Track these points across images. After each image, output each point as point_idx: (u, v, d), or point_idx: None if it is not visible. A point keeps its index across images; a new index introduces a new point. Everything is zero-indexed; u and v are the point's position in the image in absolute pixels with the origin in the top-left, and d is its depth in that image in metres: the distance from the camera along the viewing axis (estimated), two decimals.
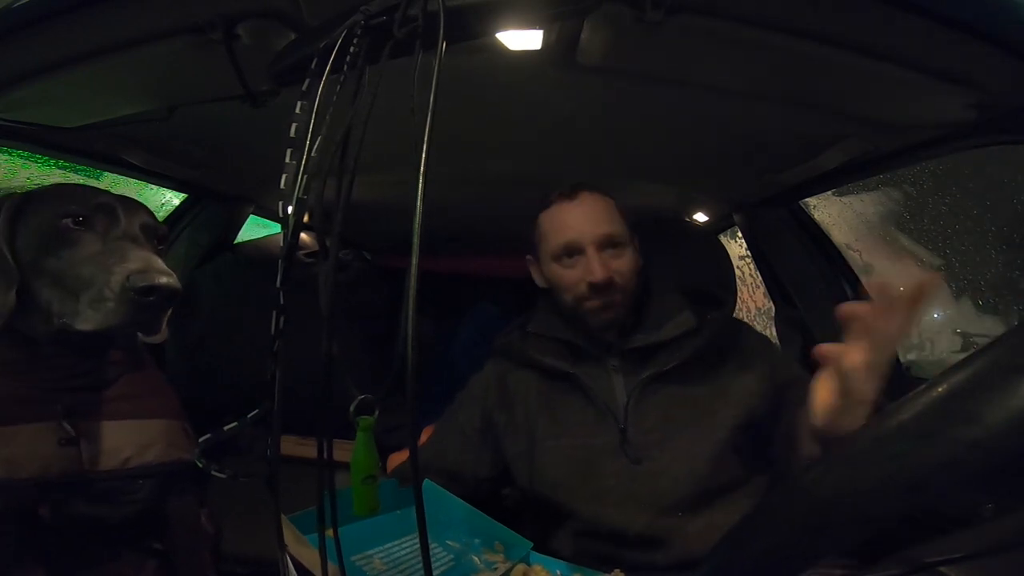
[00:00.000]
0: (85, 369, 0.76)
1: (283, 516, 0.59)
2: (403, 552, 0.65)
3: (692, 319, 0.84)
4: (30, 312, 0.70)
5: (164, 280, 0.67)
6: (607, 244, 0.83)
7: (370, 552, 0.63)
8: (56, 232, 0.69)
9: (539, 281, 0.92)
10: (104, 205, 0.72)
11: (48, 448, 0.71)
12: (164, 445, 0.80)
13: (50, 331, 0.70)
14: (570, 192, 0.86)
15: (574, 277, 0.83)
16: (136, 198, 0.78)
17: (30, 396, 0.72)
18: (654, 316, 0.86)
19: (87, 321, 0.67)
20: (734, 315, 1.22)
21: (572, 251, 0.83)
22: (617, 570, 0.66)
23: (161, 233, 0.79)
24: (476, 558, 0.67)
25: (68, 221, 0.69)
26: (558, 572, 0.66)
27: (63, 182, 0.79)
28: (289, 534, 0.59)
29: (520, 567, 0.63)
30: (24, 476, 0.69)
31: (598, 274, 0.80)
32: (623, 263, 0.84)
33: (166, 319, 0.72)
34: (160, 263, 0.69)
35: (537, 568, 0.65)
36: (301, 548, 0.56)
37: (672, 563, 0.72)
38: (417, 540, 0.67)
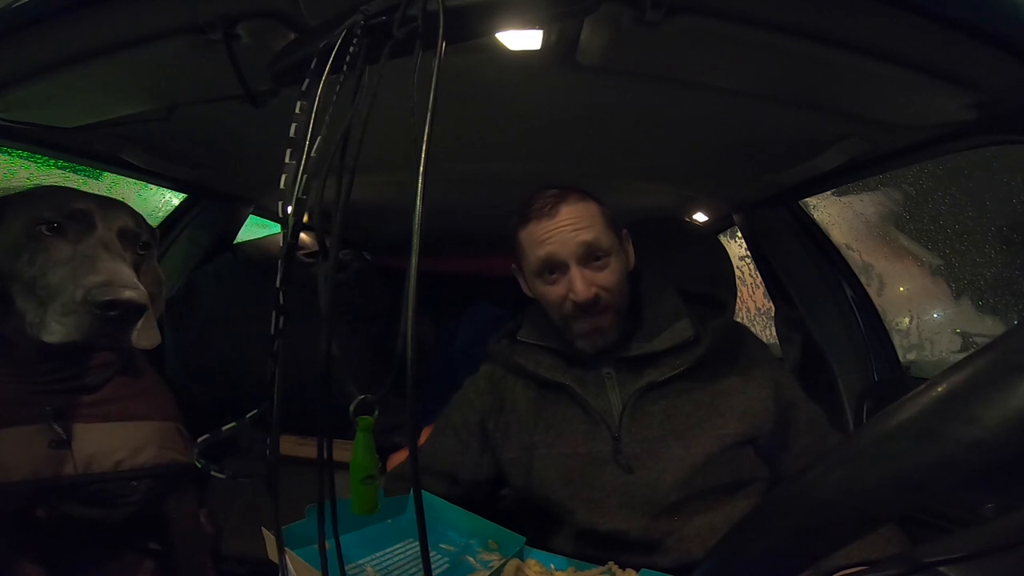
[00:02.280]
0: (73, 372, 0.75)
1: (265, 530, 0.59)
2: (395, 559, 0.65)
3: (690, 328, 0.82)
4: (11, 318, 0.69)
5: (127, 295, 0.65)
6: (590, 257, 0.78)
7: (361, 561, 0.63)
8: (30, 239, 0.68)
9: (526, 290, 0.89)
10: (79, 211, 0.71)
11: (39, 451, 0.70)
12: (157, 447, 0.80)
13: (29, 338, 0.69)
14: (551, 205, 0.80)
15: (558, 294, 0.80)
16: (134, 200, 0.78)
17: (18, 398, 0.71)
18: (651, 323, 0.84)
19: (52, 333, 0.65)
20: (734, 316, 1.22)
21: (554, 267, 0.79)
22: (611, 563, 0.66)
23: (143, 239, 0.77)
24: (472, 559, 0.67)
25: (42, 227, 0.68)
26: (552, 566, 0.66)
27: (46, 184, 0.78)
28: (271, 546, 0.59)
29: (514, 562, 0.63)
30: (17, 479, 0.69)
31: (582, 294, 0.76)
32: (608, 276, 0.79)
33: (135, 331, 0.70)
34: (126, 275, 0.68)
35: (531, 562, 0.65)
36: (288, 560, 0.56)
37: (673, 564, 0.71)
38: (409, 547, 0.68)
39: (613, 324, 0.80)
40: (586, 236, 0.78)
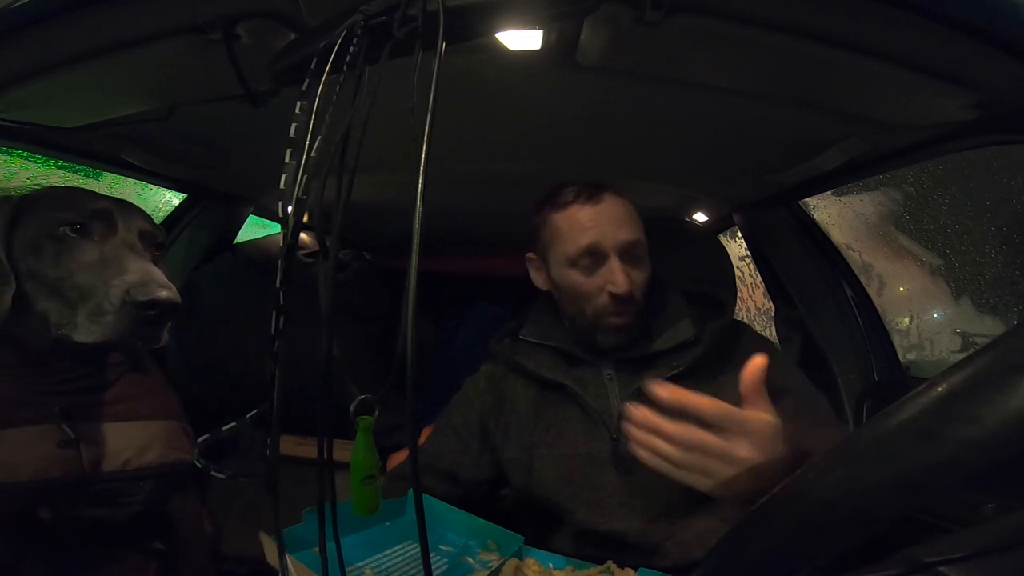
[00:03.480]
0: (83, 372, 0.75)
1: (263, 534, 0.59)
2: (394, 561, 0.65)
3: (691, 328, 0.82)
4: (27, 318, 0.69)
5: (164, 294, 0.66)
6: (630, 253, 0.79)
7: (360, 564, 0.63)
8: (53, 239, 0.68)
9: (539, 282, 0.88)
10: (101, 212, 0.71)
11: (47, 450, 0.70)
12: (163, 446, 0.80)
13: (48, 339, 0.69)
14: (593, 193, 0.80)
15: (593, 286, 0.79)
16: (134, 200, 0.78)
17: (27, 399, 0.71)
18: (653, 323, 0.84)
19: (86, 334, 0.66)
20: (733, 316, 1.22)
21: (593, 257, 0.78)
22: (609, 562, 0.66)
23: (159, 240, 0.78)
24: (471, 559, 0.67)
25: (65, 228, 0.68)
26: (551, 565, 0.66)
27: (60, 185, 0.78)
28: (270, 551, 0.59)
29: (512, 562, 0.63)
30: (23, 479, 0.69)
31: (621, 285, 0.76)
32: (641, 274, 0.80)
33: (167, 329, 0.71)
34: (160, 275, 0.69)
35: (529, 562, 0.65)
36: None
37: (672, 565, 0.71)
38: (408, 549, 0.68)
39: (635, 322, 0.81)
40: (630, 232, 0.79)
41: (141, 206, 0.79)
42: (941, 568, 0.30)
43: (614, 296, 0.77)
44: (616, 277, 0.77)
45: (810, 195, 1.28)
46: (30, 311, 0.69)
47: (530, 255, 0.89)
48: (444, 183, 1.25)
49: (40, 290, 0.68)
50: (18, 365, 0.72)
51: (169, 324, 0.71)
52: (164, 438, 0.81)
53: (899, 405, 0.29)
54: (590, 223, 0.78)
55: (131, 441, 0.77)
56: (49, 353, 0.71)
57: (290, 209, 0.37)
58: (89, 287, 0.66)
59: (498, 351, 0.90)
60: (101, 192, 0.76)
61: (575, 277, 0.80)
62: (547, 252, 0.84)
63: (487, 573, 0.62)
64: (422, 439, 0.95)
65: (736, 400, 0.79)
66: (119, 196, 0.78)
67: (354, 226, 1.68)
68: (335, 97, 0.38)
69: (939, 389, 0.27)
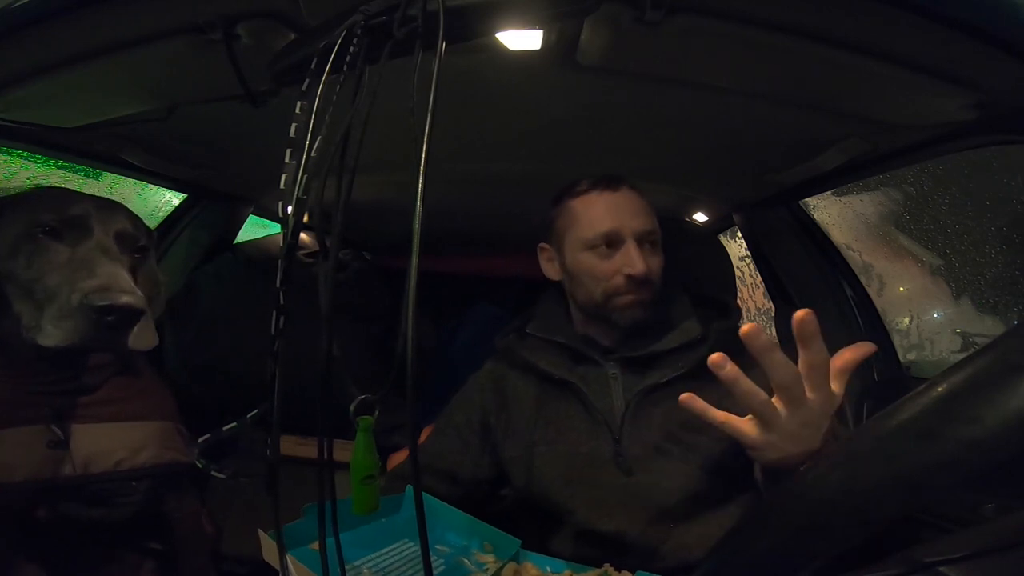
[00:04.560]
0: (69, 374, 0.75)
1: (261, 532, 0.59)
2: (392, 560, 0.65)
3: (697, 328, 0.82)
4: (6, 319, 0.69)
5: (124, 299, 0.65)
6: (646, 240, 0.82)
7: (358, 562, 0.63)
8: (28, 241, 0.68)
9: (551, 272, 0.90)
10: (77, 214, 0.71)
11: (38, 451, 0.70)
12: (157, 447, 0.79)
13: (25, 340, 0.69)
14: (611, 182, 0.84)
15: (609, 268, 0.81)
16: (134, 200, 0.78)
17: (23, 399, 0.71)
18: (660, 323, 0.84)
19: (48, 337, 0.65)
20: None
21: (611, 242, 0.81)
22: (607, 565, 0.66)
23: (140, 242, 0.77)
24: (467, 561, 0.67)
25: (39, 231, 0.68)
26: (548, 568, 0.66)
27: (45, 186, 0.78)
28: (267, 548, 0.59)
29: (511, 566, 0.63)
30: (19, 479, 0.69)
31: (638, 266, 0.78)
32: (657, 262, 0.83)
33: (131, 334, 0.70)
34: (123, 280, 0.68)
35: (527, 565, 0.65)
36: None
37: (671, 567, 0.71)
38: (404, 548, 0.68)
39: (650, 302, 0.82)
40: (646, 222, 0.82)
41: (141, 206, 0.79)
42: (941, 568, 0.30)
43: (629, 277, 0.79)
44: (633, 260, 0.79)
45: (810, 195, 1.28)
46: (8, 312, 0.69)
47: (542, 245, 0.91)
48: (444, 183, 1.25)
49: (15, 292, 0.69)
50: (6, 367, 0.72)
51: (133, 329, 0.69)
52: (158, 439, 0.80)
53: (899, 405, 0.29)
54: (608, 209, 0.82)
55: (123, 442, 0.77)
56: (31, 354, 0.71)
57: (290, 209, 0.37)
58: (55, 290, 0.66)
59: (503, 346, 0.91)
60: (101, 192, 0.76)
61: (591, 260, 0.82)
62: (562, 239, 0.86)
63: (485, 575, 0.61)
64: (422, 439, 0.95)
65: (738, 407, 0.79)
66: (119, 196, 0.78)
67: (354, 226, 1.68)
68: (335, 97, 0.38)
69: (939, 389, 0.27)
